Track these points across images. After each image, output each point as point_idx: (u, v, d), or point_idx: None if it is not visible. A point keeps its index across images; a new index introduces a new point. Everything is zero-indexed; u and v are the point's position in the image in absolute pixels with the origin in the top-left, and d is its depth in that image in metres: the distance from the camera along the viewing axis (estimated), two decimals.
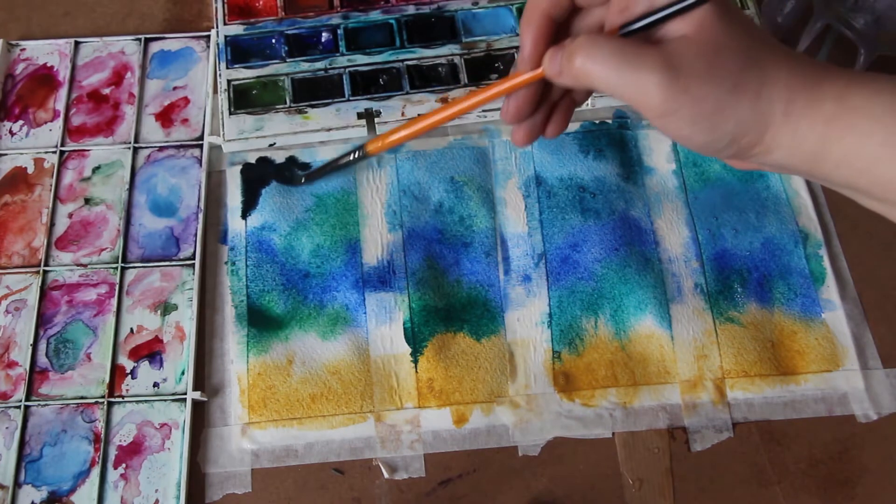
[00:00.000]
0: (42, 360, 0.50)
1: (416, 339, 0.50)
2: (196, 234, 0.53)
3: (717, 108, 0.30)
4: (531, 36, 0.34)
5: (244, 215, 0.54)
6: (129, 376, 0.50)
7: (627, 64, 0.30)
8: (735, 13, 0.31)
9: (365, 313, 0.51)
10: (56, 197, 0.55)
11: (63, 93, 0.58)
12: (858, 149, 0.30)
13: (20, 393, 0.49)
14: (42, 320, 0.51)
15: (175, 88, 0.59)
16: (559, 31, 0.35)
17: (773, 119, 0.31)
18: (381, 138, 0.41)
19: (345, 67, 0.57)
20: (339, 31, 0.59)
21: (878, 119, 0.30)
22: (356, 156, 0.43)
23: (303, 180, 0.46)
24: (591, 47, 0.31)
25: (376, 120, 0.56)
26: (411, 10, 0.60)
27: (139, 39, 0.60)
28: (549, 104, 0.38)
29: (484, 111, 0.56)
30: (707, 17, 0.30)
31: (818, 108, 0.30)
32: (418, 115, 0.38)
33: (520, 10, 0.59)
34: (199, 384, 0.50)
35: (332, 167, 0.44)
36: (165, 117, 0.58)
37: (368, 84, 0.57)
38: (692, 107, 0.30)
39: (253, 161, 0.56)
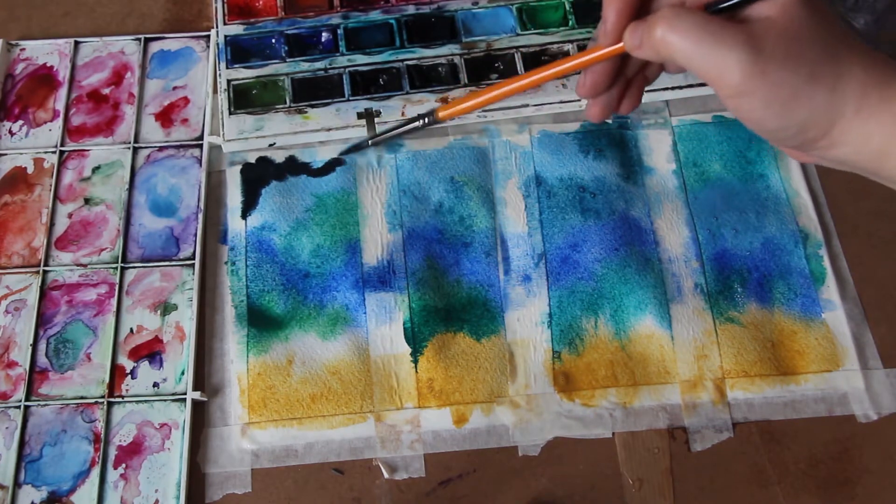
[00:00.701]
0: (42, 360, 0.50)
1: (416, 339, 0.50)
2: (196, 234, 0.53)
3: (791, 96, 0.30)
4: (615, 8, 0.33)
5: (244, 215, 0.54)
6: (129, 376, 0.50)
7: (710, 37, 0.30)
8: (819, 4, 0.31)
9: (365, 313, 0.51)
10: (56, 197, 0.55)
11: (63, 93, 0.58)
12: None
13: (20, 393, 0.49)
14: (42, 320, 0.51)
15: (175, 88, 0.59)
16: (641, 8, 0.34)
17: (845, 113, 0.31)
18: (453, 104, 0.40)
19: (345, 67, 0.57)
20: (339, 31, 0.59)
21: None
22: (426, 121, 0.43)
23: (370, 143, 0.45)
24: (674, 18, 0.31)
25: (376, 120, 0.56)
26: (411, 10, 0.60)
27: (139, 39, 0.60)
28: (624, 80, 0.38)
29: (484, 111, 0.56)
30: (791, 4, 0.30)
31: (888, 107, 0.30)
32: (492, 83, 0.38)
33: (519, 10, 0.59)
34: (199, 384, 0.50)
35: (401, 131, 0.44)
36: (165, 117, 0.58)
37: (368, 84, 0.57)
38: (768, 90, 0.30)
39: (253, 161, 0.56)
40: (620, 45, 0.34)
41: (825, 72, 0.30)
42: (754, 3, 0.31)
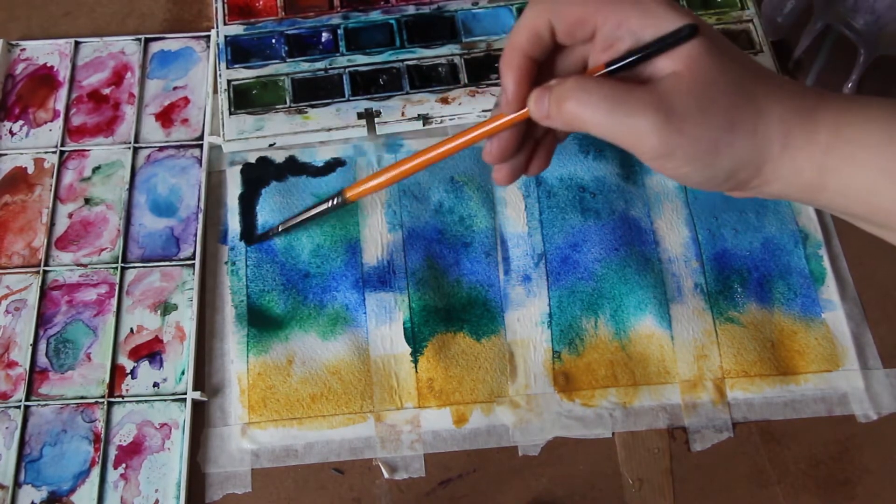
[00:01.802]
0: (42, 360, 0.50)
1: (416, 339, 0.50)
2: (196, 234, 0.53)
3: (712, 148, 0.30)
4: (513, 78, 0.33)
5: (244, 215, 0.54)
6: (129, 376, 0.50)
7: (619, 107, 0.30)
8: (724, 46, 0.31)
9: (365, 313, 0.51)
10: (56, 197, 0.55)
11: (63, 93, 0.58)
12: (855, 179, 0.30)
13: (20, 393, 0.49)
14: (42, 320, 0.51)
15: (175, 88, 0.59)
16: (541, 69, 0.34)
17: (771, 153, 0.30)
18: (360, 184, 0.41)
19: (345, 67, 0.57)
20: (339, 31, 0.59)
21: (873, 148, 0.29)
22: (335, 202, 0.44)
23: (280, 229, 0.47)
24: (581, 92, 0.30)
25: (376, 120, 0.56)
26: (411, 10, 0.60)
27: (139, 39, 0.60)
28: (533, 142, 0.37)
29: (485, 111, 0.56)
30: (695, 53, 0.30)
31: (814, 139, 0.30)
32: (395, 161, 0.39)
33: (520, 10, 0.59)
34: (199, 384, 0.50)
35: (311, 214, 0.45)
36: (165, 117, 0.58)
37: (368, 84, 0.57)
38: (688, 147, 0.30)
39: (253, 161, 0.56)
40: (525, 111, 0.33)
41: (743, 117, 0.30)
42: (659, 59, 0.30)
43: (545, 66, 0.34)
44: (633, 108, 0.29)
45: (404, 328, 0.51)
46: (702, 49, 0.30)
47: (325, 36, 0.59)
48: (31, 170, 0.56)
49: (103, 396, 0.49)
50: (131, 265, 0.53)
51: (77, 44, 0.60)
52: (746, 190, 0.33)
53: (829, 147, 0.30)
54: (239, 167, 0.56)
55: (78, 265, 0.53)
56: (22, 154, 0.56)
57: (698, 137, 0.30)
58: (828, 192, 0.31)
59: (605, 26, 0.31)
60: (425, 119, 0.56)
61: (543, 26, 0.33)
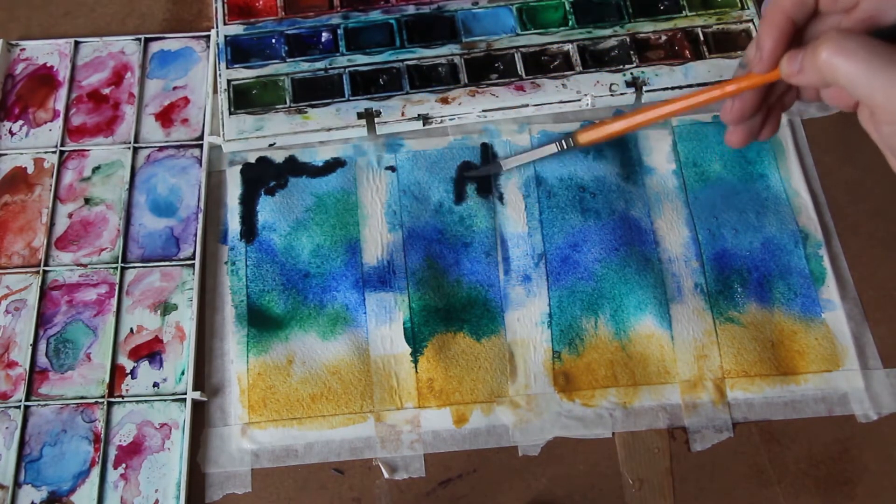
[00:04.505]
0: (42, 360, 0.50)
1: (416, 339, 0.50)
2: (196, 234, 0.53)
3: None
4: (773, 36, 0.33)
5: (244, 215, 0.54)
6: (129, 376, 0.50)
7: (879, 60, 0.29)
8: None
9: (365, 313, 0.51)
10: (56, 197, 0.55)
11: (63, 93, 0.58)
12: None
13: (20, 393, 0.49)
14: (42, 320, 0.51)
15: (175, 88, 0.59)
16: (794, 40, 0.34)
17: None
18: (592, 128, 0.40)
19: (345, 67, 0.57)
20: (339, 31, 0.59)
21: None
22: (564, 145, 0.42)
23: (503, 167, 0.45)
24: (841, 40, 0.30)
25: (376, 120, 0.56)
26: (411, 10, 0.60)
27: (139, 39, 0.60)
28: (766, 107, 0.37)
29: (484, 111, 0.56)
30: None
31: None
32: (636, 109, 0.38)
33: (519, 11, 0.59)
34: (199, 384, 0.50)
35: (535, 158, 0.43)
36: (165, 117, 0.58)
37: (368, 84, 0.57)
38: None
39: (253, 161, 0.56)
40: (776, 71, 0.34)
41: None
42: None
43: (797, 35, 0.34)
44: (894, 64, 0.29)
45: (404, 328, 0.51)
46: None
47: (325, 36, 0.59)
48: (30, 170, 0.56)
49: (103, 396, 0.49)
50: (131, 265, 0.53)
51: (77, 44, 0.60)
52: None
53: None
54: (239, 167, 0.56)
55: (78, 265, 0.53)
56: (22, 154, 0.56)
57: None
58: None
59: None
60: (425, 119, 0.56)
61: None
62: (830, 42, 0.30)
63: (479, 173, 0.53)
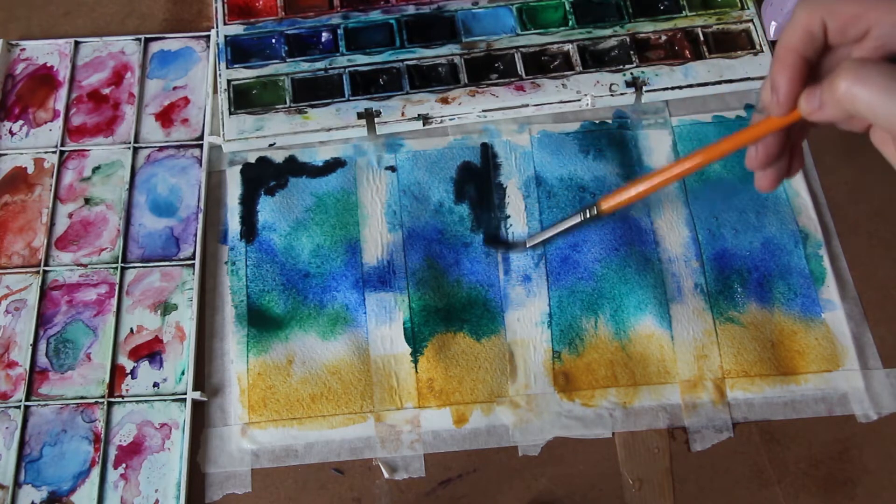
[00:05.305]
0: (42, 360, 0.50)
1: (416, 339, 0.50)
2: (196, 234, 0.53)
3: None
4: (788, 76, 0.33)
5: (244, 215, 0.54)
6: (129, 376, 0.50)
7: None
8: None
9: (365, 313, 0.51)
10: (56, 197, 0.55)
11: (63, 93, 0.58)
12: None
13: (20, 393, 0.49)
14: (42, 320, 0.51)
15: (175, 88, 0.59)
16: (809, 77, 0.34)
17: None
18: (615, 195, 0.40)
19: (345, 67, 0.57)
20: (339, 31, 0.59)
21: None
22: (588, 215, 0.42)
23: (528, 245, 0.48)
24: (859, 69, 0.30)
25: (376, 120, 0.56)
26: (411, 10, 0.60)
27: (139, 39, 0.60)
28: (790, 144, 0.37)
29: (484, 111, 0.56)
30: None
31: None
32: (654, 171, 0.39)
33: (519, 10, 0.59)
34: (199, 384, 0.50)
35: (562, 231, 0.44)
36: (165, 117, 0.58)
37: (368, 84, 0.57)
38: None
39: (253, 161, 0.56)
40: (794, 112, 0.33)
41: None
42: None
43: (811, 73, 0.34)
44: None
45: (404, 328, 0.51)
46: None
47: (324, 36, 0.59)
48: (30, 170, 0.56)
49: (103, 396, 0.49)
50: (131, 265, 0.53)
51: (77, 44, 0.60)
52: None
53: None
54: (239, 167, 0.56)
55: (78, 265, 0.53)
56: (22, 154, 0.56)
57: None
58: None
59: (880, 24, 0.31)
60: (425, 119, 0.56)
61: (817, 24, 0.32)
62: (848, 72, 0.30)
63: (502, 250, 0.53)
